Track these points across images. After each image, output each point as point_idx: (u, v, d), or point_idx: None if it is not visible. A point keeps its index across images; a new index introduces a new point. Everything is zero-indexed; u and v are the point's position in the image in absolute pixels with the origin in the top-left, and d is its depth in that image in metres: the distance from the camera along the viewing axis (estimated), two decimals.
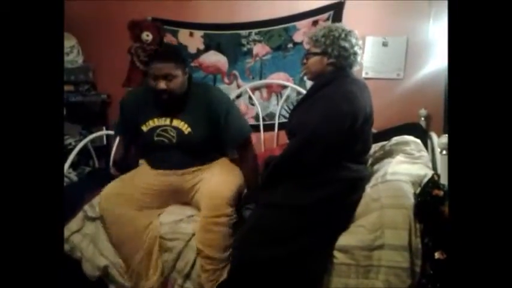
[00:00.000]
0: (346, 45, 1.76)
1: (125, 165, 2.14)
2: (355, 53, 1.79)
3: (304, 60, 1.87)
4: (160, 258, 1.85)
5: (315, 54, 1.81)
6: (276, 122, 2.86)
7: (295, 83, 2.80)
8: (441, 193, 1.56)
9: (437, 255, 1.49)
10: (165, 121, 1.98)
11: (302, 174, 1.70)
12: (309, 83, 2.64)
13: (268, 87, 2.89)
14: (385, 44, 2.65)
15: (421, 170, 1.81)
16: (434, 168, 1.94)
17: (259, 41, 2.83)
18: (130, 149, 2.20)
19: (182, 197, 2.03)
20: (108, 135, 2.91)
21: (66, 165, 2.40)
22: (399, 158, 1.96)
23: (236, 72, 2.91)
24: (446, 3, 1.06)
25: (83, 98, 2.91)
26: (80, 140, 2.61)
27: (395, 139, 2.12)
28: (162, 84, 1.85)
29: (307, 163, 1.68)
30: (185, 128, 1.96)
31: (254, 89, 2.90)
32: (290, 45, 2.79)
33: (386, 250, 1.56)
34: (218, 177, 1.95)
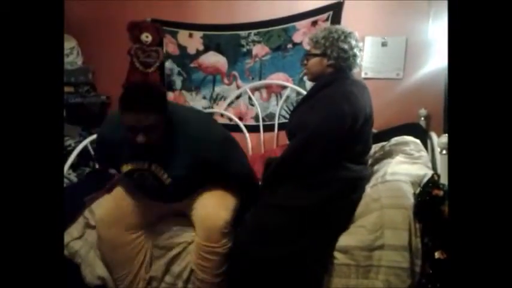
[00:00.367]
0: (346, 46, 1.77)
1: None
2: (354, 55, 1.80)
3: (305, 61, 1.89)
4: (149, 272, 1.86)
5: (315, 55, 1.82)
6: (276, 122, 2.86)
7: (294, 84, 2.80)
8: (441, 193, 1.56)
9: (437, 255, 1.49)
10: (142, 165, 1.73)
11: (303, 175, 1.71)
12: (308, 84, 2.66)
13: (268, 87, 2.89)
14: (384, 44, 2.65)
15: (421, 170, 1.81)
16: (434, 168, 1.94)
17: (259, 42, 2.83)
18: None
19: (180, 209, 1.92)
20: None
21: (66, 166, 2.40)
22: (399, 158, 1.96)
23: (236, 73, 2.91)
24: (445, 3, 1.06)
25: (82, 99, 2.91)
26: (80, 141, 2.61)
27: (395, 139, 2.13)
28: (141, 138, 1.56)
29: (308, 163, 1.69)
30: (165, 178, 1.73)
31: (254, 90, 2.90)
32: (289, 45, 2.79)
33: (386, 250, 1.56)
34: (213, 200, 1.79)
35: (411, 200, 1.63)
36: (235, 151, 1.86)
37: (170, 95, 2.99)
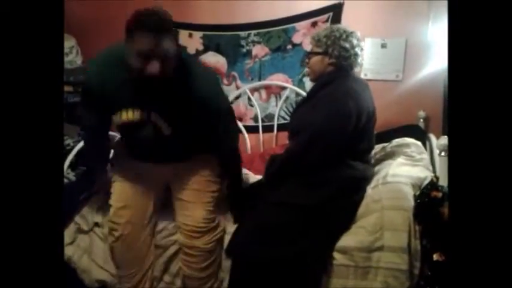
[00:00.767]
0: (347, 45, 1.78)
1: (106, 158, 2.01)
2: (355, 54, 1.81)
3: (306, 60, 1.90)
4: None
5: (317, 54, 1.84)
6: (275, 123, 2.86)
7: (294, 84, 2.80)
8: (440, 194, 1.56)
9: (435, 256, 1.50)
10: (141, 115, 1.59)
11: (306, 173, 1.70)
12: (308, 84, 2.66)
13: (267, 88, 2.89)
14: (384, 46, 2.65)
15: (422, 173, 1.82)
16: (432, 169, 1.94)
17: (259, 42, 2.83)
18: (105, 144, 1.93)
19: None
20: None
21: (65, 166, 2.39)
22: (400, 160, 1.97)
23: (235, 73, 2.91)
24: (445, 5, 1.06)
25: None
26: (79, 141, 2.61)
27: (396, 141, 2.13)
28: (154, 67, 1.37)
29: (312, 161, 1.69)
30: (165, 128, 1.63)
31: (253, 90, 2.90)
32: (289, 46, 2.79)
33: (386, 252, 1.56)
34: (192, 196, 1.77)
35: (411, 202, 1.63)
36: (234, 120, 1.89)
37: None
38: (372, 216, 1.65)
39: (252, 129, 2.91)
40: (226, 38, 2.87)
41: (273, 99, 2.88)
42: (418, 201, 1.62)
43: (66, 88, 2.84)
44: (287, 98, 2.83)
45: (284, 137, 2.59)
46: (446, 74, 2.38)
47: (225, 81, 2.92)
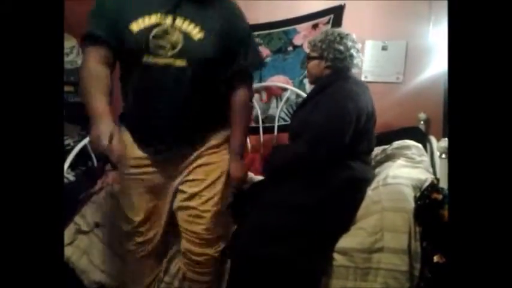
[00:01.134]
0: (341, 48, 1.82)
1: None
2: (351, 55, 1.84)
3: (306, 64, 1.94)
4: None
5: (313, 58, 1.88)
6: (276, 124, 2.86)
7: (294, 86, 2.80)
8: (440, 196, 1.56)
9: (436, 258, 1.49)
10: (165, 19, 1.42)
11: (308, 173, 1.70)
12: (308, 86, 2.66)
13: (268, 89, 2.89)
14: (384, 48, 2.65)
15: (422, 175, 1.82)
16: (433, 172, 1.94)
17: (259, 44, 2.83)
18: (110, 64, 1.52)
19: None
20: None
21: (65, 166, 2.39)
22: (400, 162, 1.97)
23: None
24: (446, 7, 1.06)
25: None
26: (79, 141, 2.61)
27: (397, 143, 2.13)
28: None
29: (315, 161, 1.69)
30: (195, 33, 1.44)
31: (254, 92, 2.89)
32: (290, 48, 2.79)
33: (386, 253, 1.56)
34: (206, 204, 1.63)
35: (412, 204, 1.63)
36: (256, 49, 1.71)
37: None
38: (372, 218, 1.65)
39: (252, 131, 2.91)
40: None
41: (273, 100, 2.89)
42: (419, 203, 1.62)
43: (67, 88, 2.85)
44: (288, 99, 2.84)
45: (284, 138, 2.58)
46: (447, 76, 2.38)
47: None
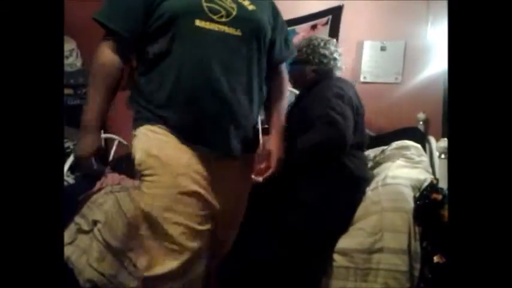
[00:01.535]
0: (326, 52, 1.91)
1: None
2: (334, 59, 1.93)
3: (290, 70, 1.93)
4: None
5: (300, 62, 1.93)
6: None
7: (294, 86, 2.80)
8: (440, 197, 1.56)
9: (436, 259, 1.50)
10: None
11: (306, 170, 1.70)
12: None
13: None
14: (383, 48, 2.66)
15: (421, 175, 1.82)
16: (432, 172, 1.94)
17: None
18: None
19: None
20: (105, 139, 2.90)
21: (65, 169, 2.39)
22: (400, 162, 1.97)
23: None
24: (444, 7, 1.06)
25: (81, 101, 2.91)
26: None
27: (396, 143, 2.14)
28: None
29: (346, 143, 1.67)
30: (247, 3, 1.34)
31: None
32: None
33: (386, 253, 1.56)
34: (232, 222, 1.46)
35: (411, 204, 1.64)
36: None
37: None
38: (371, 218, 1.65)
39: None
40: None
41: None
42: (418, 203, 1.62)
43: (66, 91, 2.86)
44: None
45: None
46: (445, 76, 2.39)
47: None
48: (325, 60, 1.91)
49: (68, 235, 1.96)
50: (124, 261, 1.89)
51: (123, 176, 2.37)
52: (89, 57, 2.99)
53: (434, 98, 2.54)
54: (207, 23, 1.27)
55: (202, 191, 1.28)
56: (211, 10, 1.28)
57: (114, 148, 2.78)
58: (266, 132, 1.52)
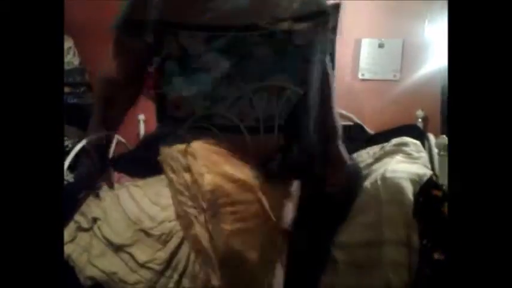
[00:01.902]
0: None
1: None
2: None
3: None
4: None
5: None
6: (276, 124, 2.84)
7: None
8: (440, 193, 1.56)
9: (436, 255, 1.50)
10: None
11: None
12: None
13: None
14: (381, 46, 2.66)
15: (420, 169, 1.82)
16: (432, 169, 1.94)
17: None
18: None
19: None
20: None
21: (64, 167, 2.39)
22: (398, 157, 1.98)
23: None
24: (442, 4, 1.06)
25: (79, 99, 2.91)
26: (77, 142, 2.60)
27: (395, 140, 2.14)
28: None
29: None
30: None
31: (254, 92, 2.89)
32: None
33: (385, 246, 1.56)
34: None
35: (411, 197, 1.63)
36: None
37: None
38: (370, 212, 1.65)
39: (252, 131, 2.89)
40: None
41: (274, 100, 2.87)
42: (418, 199, 1.62)
43: (65, 89, 2.85)
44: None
45: None
46: (443, 73, 2.39)
47: None
48: None
49: (68, 233, 1.94)
50: (124, 257, 1.88)
51: (122, 175, 2.36)
52: (87, 56, 3.00)
53: (433, 95, 2.55)
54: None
55: None
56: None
57: (113, 147, 2.77)
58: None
